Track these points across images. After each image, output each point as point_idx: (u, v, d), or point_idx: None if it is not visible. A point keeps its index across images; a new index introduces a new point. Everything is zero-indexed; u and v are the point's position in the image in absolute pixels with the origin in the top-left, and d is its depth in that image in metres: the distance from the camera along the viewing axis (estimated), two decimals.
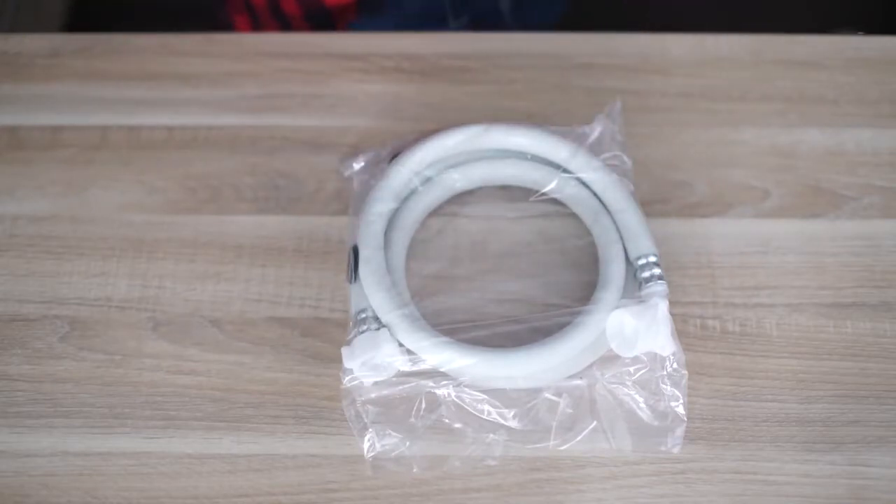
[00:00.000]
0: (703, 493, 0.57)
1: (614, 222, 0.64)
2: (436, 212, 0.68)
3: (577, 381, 0.59)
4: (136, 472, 0.58)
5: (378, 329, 0.59)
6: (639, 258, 0.62)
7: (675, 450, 0.58)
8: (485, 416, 0.58)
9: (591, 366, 0.59)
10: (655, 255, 0.62)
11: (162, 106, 0.75)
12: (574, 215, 0.67)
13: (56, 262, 0.67)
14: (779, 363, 0.62)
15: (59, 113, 0.75)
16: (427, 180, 0.66)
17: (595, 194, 0.65)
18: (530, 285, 0.64)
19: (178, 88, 0.76)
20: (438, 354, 0.58)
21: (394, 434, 0.58)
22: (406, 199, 0.66)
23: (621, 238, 0.63)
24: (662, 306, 0.58)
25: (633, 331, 0.58)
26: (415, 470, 0.58)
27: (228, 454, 0.59)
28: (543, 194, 0.66)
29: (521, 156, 0.66)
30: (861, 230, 0.67)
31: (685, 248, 0.66)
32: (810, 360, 0.62)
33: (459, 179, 0.66)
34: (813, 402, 0.60)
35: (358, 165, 0.67)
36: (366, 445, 0.58)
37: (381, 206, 0.63)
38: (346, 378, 0.58)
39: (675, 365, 0.58)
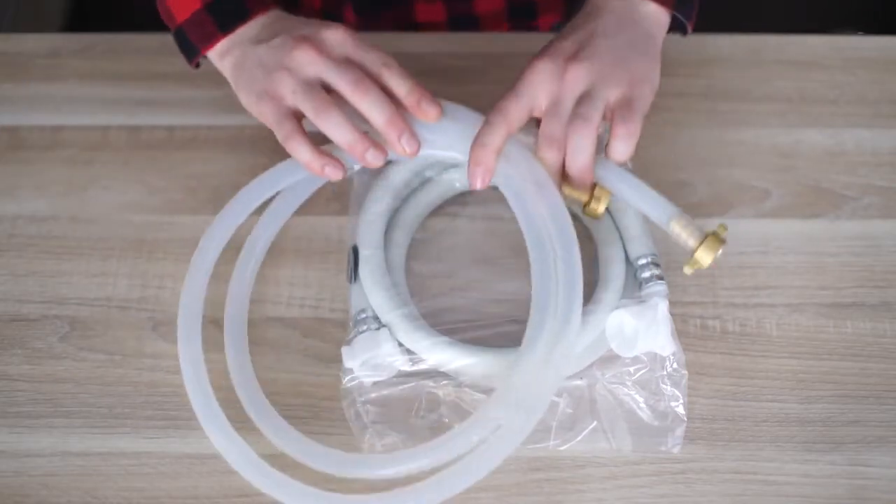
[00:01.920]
0: (703, 493, 0.57)
1: (614, 222, 0.64)
2: (436, 212, 0.68)
3: (577, 382, 0.59)
4: (136, 472, 0.58)
5: (378, 329, 0.59)
6: (639, 258, 0.62)
7: (676, 450, 0.58)
8: None
9: (591, 366, 0.59)
10: (655, 255, 0.62)
11: (162, 106, 0.75)
12: (574, 215, 0.67)
13: (56, 262, 0.67)
14: (779, 363, 0.62)
15: (59, 113, 0.75)
16: (427, 180, 0.66)
17: None
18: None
19: (178, 88, 0.76)
20: (438, 354, 0.58)
21: (394, 434, 0.58)
22: (406, 199, 0.66)
23: (621, 238, 0.63)
24: (662, 306, 0.58)
25: (633, 331, 0.58)
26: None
27: None
28: None
29: None
30: (861, 230, 0.67)
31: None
32: (810, 360, 0.62)
33: (459, 179, 0.66)
34: (813, 402, 0.60)
35: (358, 165, 0.67)
36: (366, 445, 0.58)
37: (381, 206, 0.63)
38: (346, 378, 0.58)
39: (675, 365, 0.58)
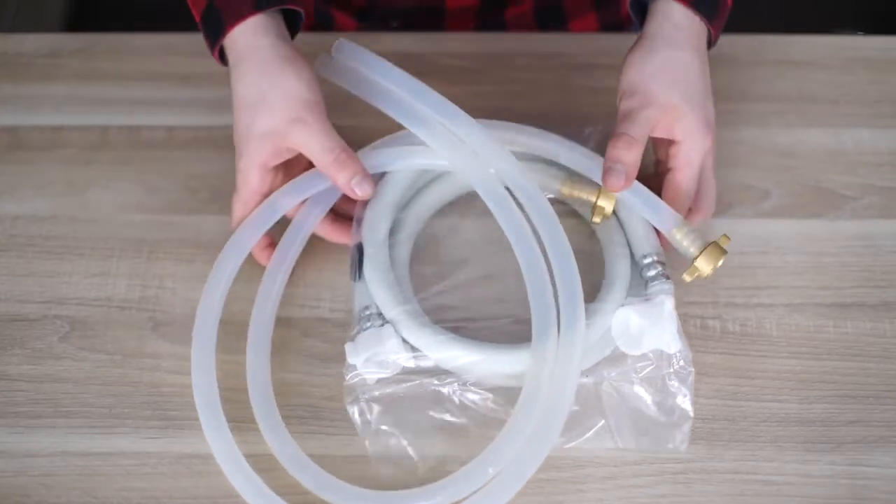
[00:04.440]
0: (703, 493, 0.57)
1: (619, 221, 0.64)
2: (441, 212, 0.67)
3: (584, 379, 0.58)
4: (136, 472, 0.58)
5: (382, 325, 0.59)
6: (644, 257, 0.61)
7: (683, 447, 0.58)
8: (490, 415, 0.58)
9: (597, 364, 0.59)
10: (661, 254, 0.61)
11: (162, 106, 0.75)
12: (577, 214, 0.67)
13: (56, 262, 0.67)
14: (779, 363, 0.62)
15: (59, 113, 0.75)
16: (434, 179, 0.66)
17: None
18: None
19: (179, 88, 0.76)
20: (444, 351, 0.58)
21: (397, 433, 0.58)
22: (412, 197, 0.66)
23: (626, 237, 0.63)
24: (668, 304, 0.58)
25: (639, 328, 0.58)
26: (419, 469, 0.57)
27: None
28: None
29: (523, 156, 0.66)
30: (861, 230, 0.67)
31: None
32: (810, 360, 0.62)
33: (464, 179, 0.66)
34: (813, 402, 0.60)
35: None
36: (369, 443, 0.58)
37: (385, 204, 0.63)
38: (350, 374, 0.58)
39: (681, 362, 0.58)
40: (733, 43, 0.77)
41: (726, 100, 0.73)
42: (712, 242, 0.59)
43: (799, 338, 0.63)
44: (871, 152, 0.71)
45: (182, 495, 0.58)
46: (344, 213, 0.66)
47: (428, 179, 0.66)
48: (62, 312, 0.65)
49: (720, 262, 0.59)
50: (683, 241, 0.59)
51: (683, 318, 0.63)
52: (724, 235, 0.60)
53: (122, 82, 0.76)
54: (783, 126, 0.73)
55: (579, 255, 0.59)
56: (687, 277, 0.60)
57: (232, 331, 0.63)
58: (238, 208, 0.63)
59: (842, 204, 0.69)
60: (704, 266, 0.59)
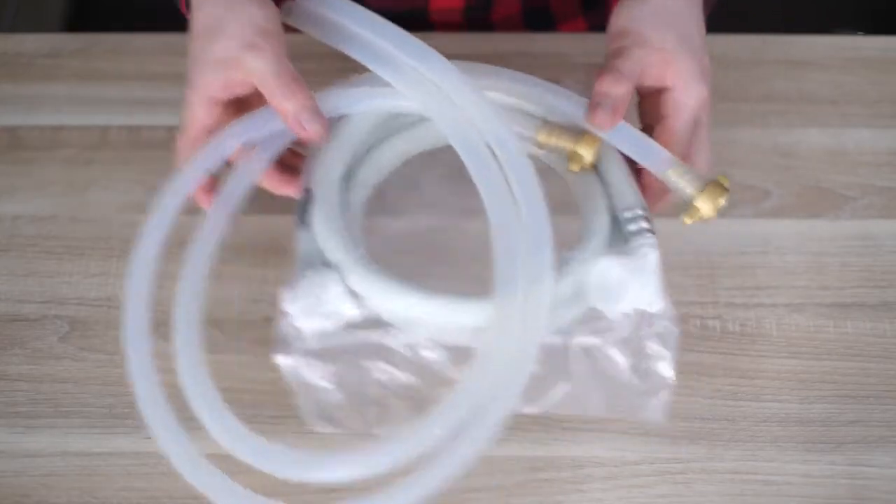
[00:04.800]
0: (702, 493, 0.57)
1: (597, 171, 0.58)
2: (403, 164, 0.62)
3: (552, 338, 0.51)
4: (136, 472, 0.58)
5: (326, 271, 0.52)
6: (626, 210, 0.55)
7: (658, 416, 0.55)
8: (446, 374, 0.52)
9: (569, 322, 0.52)
10: (645, 209, 0.55)
11: (162, 106, 0.75)
12: (550, 169, 0.60)
13: (56, 262, 0.67)
14: (779, 363, 0.62)
15: (59, 113, 0.75)
16: (398, 129, 0.61)
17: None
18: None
19: (179, 88, 0.75)
20: (395, 299, 0.51)
21: (337, 390, 0.53)
22: (373, 145, 0.60)
23: (605, 189, 0.57)
24: (652, 256, 0.52)
25: (619, 283, 0.52)
26: (360, 430, 0.55)
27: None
28: None
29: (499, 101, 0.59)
30: (861, 230, 0.67)
31: (685, 248, 0.66)
32: (810, 360, 0.62)
33: (432, 130, 0.60)
34: (813, 402, 0.60)
35: None
36: (302, 401, 0.54)
37: (342, 144, 0.57)
38: (283, 322, 0.51)
39: (664, 322, 0.52)
40: (733, 43, 0.77)
41: (726, 100, 0.73)
42: (712, 181, 0.54)
43: (799, 338, 0.63)
44: (871, 152, 0.71)
45: (182, 495, 0.58)
46: (293, 167, 0.60)
47: (391, 129, 0.60)
48: (62, 312, 0.65)
49: (722, 202, 0.54)
50: (679, 181, 0.54)
51: (683, 318, 0.63)
52: (722, 175, 0.55)
53: (122, 82, 0.76)
54: (783, 126, 0.73)
55: (553, 214, 0.52)
56: (687, 220, 0.55)
57: (232, 331, 0.63)
58: (184, 147, 0.57)
59: (842, 204, 0.69)
60: (705, 206, 0.54)
